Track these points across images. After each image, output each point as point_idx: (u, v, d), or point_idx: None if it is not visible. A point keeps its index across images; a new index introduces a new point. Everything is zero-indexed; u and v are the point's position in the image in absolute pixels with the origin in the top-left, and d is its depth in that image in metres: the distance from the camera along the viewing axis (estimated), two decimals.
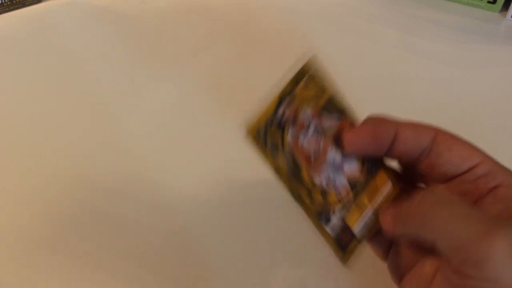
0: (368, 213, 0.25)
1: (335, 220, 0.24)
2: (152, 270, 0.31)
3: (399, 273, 0.25)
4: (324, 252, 0.29)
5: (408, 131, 0.25)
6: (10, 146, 0.40)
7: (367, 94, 0.45)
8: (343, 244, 0.25)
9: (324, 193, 0.24)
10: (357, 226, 0.25)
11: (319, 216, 0.24)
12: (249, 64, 0.49)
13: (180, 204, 0.35)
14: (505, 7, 0.56)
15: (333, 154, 0.24)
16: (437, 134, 0.25)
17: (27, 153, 0.39)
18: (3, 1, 0.55)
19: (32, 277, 0.31)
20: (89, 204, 0.35)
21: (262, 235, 0.33)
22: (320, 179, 0.24)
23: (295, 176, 0.23)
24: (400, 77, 0.47)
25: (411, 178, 0.27)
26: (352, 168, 0.25)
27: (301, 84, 0.23)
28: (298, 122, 0.23)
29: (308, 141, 0.24)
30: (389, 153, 0.26)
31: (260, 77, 0.47)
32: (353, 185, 0.25)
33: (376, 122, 0.25)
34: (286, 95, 0.23)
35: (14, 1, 0.56)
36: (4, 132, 0.41)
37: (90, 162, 0.38)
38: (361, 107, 0.43)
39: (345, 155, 0.25)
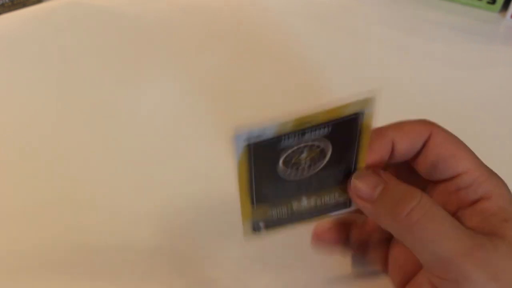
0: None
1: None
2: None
3: (401, 284, 0.25)
4: (324, 256, 0.29)
5: (404, 140, 0.25)
6: (10, 145, 0.40)
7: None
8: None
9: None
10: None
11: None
12: (249, 65, 0.49)
13: (180, 204, 0.35)
14: (504, 8, 0.56)
15: None
16: (431, 136, 0.24)
17: (26, 153, 0.39)
18: (4, 2, 0.55)
19: None
20: (80, 205, 0.35)
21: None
22: None
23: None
24: (399, 77, 0.47)
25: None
26: None
27: None
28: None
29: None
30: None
31: (260, 78, 0.47)
32: None
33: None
34: None
35: (15, 2, 0.56)
36: (4, 132, 0.41)
37: (89, 162, 0.38)
38: None
39: None
